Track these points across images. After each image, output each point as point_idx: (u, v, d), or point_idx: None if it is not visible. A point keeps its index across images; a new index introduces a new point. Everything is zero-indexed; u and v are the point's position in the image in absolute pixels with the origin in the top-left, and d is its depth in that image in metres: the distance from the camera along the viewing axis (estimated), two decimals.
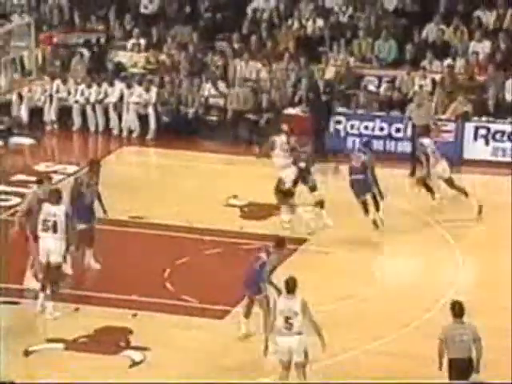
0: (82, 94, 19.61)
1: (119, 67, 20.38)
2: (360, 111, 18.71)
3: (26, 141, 18.95)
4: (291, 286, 10.19)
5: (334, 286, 12.88)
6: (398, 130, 18.36)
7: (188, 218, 14.77)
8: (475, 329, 9.93)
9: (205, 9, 21.44)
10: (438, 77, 18.90)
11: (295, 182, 14.52)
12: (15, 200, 15.13)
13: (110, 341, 11.60)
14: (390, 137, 18.36)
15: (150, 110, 19.28)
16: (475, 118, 18.22)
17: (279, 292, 10.94)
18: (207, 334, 11.81)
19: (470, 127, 18.10)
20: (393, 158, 17.58)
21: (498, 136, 18.01)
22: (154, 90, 19.36)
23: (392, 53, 19.73)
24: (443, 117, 18.12)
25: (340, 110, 18.74)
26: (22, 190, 15.26)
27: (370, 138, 17.09)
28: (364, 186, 14.55)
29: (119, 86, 19.53)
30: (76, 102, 19.58)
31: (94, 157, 16.85)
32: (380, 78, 19.31)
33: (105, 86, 19.55)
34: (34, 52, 20.51)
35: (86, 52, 20.56)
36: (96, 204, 13.36)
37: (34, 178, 15.38)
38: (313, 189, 14.63)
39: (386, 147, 18.20)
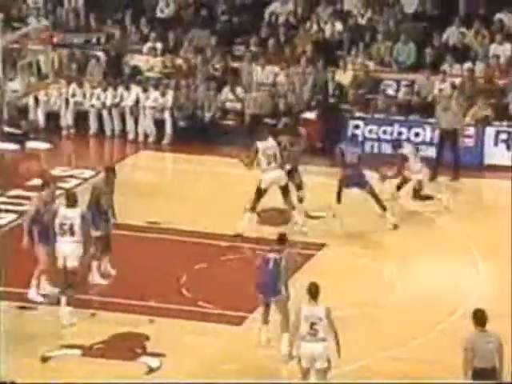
0: (98, 97, 19.55)
1: (135, 71, 20.32)
2: (378, 115, 18.57)
3: (43, 145, 18.91)
4: (314, 292, 10.14)
5: (352, 291, 12.76)
6: (417, 135, 18.20)
7: (205, 224, 14.65)
8: (499, 337, 9.76)
9: (221, 12, 21.36)
10: (457, 80, 18.74)
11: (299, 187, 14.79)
12: None
13: (127, 347, 11.52)
14: (408, 141, 18.16)
15: (166, 115, 19.20)
16: (496, 123, 18.02)
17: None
18: (224, 340, 11.72)
19: (490, 132, 17.90)
20: None
21: None
22: (170, 94, 19.28)
23: (411, 56, 19.57)
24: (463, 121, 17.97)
25: (358, 114, 18.61)
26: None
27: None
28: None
29: (135, 89, 19.47)
30: (92, 105, 19.53)
31: (110, 162, 16.77)
32: (398, 82, 19.16)
33: (121, 89, 19.48)
34: (50, 55, 20.49)
35: (102, 56, 20.52)
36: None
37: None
38: (299, 187, 14.86)
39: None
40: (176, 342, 11.62)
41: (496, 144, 17.88)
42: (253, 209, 14.53)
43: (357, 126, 18.43)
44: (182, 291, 12.83)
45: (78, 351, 11.40)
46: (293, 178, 14.82)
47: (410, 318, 12.19)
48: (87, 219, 12.26)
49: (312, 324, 10.01)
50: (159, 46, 20.60)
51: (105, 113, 19.46)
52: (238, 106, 19.30)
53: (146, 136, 19.32)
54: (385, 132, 18.36)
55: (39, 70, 20.47)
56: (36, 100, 19.73)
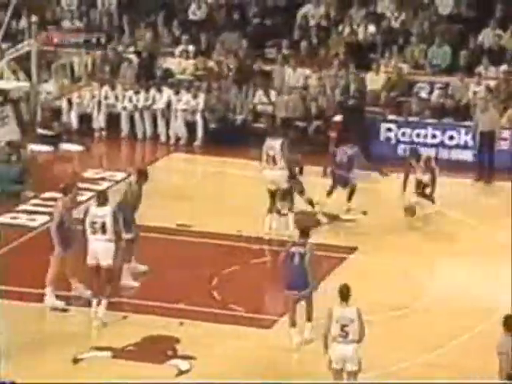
0: (130, 100, 19.60)
1: (167, 74, 20.34)
2: (412, 118, 18.42)
3: (75, 147, 18.98)
4: (345, 294, 10.14)
5: (384, 295, 12.66)
6: (451, 138, 18.05)
7: (236, 227, 14.61)
8: None
9: (253, 15, 21.31)
10: (492, 83, 18.54)
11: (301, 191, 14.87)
12: None
13: (157, 350, 11.49)
14: (442, 144, 18.04)
15: (198, 117, 19.19)
16: None
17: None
18: (254, 343, 11.66)
19: None
20: (445, 166, 17.22)
21: None
22: (201, 96, 19.27)
23: (446, 59, 19.39)
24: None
25: (391, 117, 18.48)
26: None
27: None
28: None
29: (167, 92, 19.49)
30: (124, 108, 19.57)
31: (142, 164, 16.78)
32: (432, 85, 19.00)
33: (153, 92, 19.51)
34: (83, 58, 20.58)
35: (134, 58, 20.57)
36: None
37: (83, 185, 15.43)
38: (301, 192, 14.96)
39: (438, 155, 17.86)
40: (206, 344, 11.57)
41: None
42: (270, 210, 14.54)
43: (389, 129, 18.31)
44: (212, 294, 12.79)
45: (108, 353, 11.39)
46: (295, 183, 14.76)
47: (445, 323, 12.06)
48: (118, 218, 12.23)
49: (343, 326, 9.99)
50: (191, 48, 20.61)
51: (137, 115, 19.50)
52: (270, 108, 19.25)
53: (178, 138, 19.32)
54: (418, 135, 18.21)
55: (73, 72, 20.59)
56: (69, 102, 19.82)
